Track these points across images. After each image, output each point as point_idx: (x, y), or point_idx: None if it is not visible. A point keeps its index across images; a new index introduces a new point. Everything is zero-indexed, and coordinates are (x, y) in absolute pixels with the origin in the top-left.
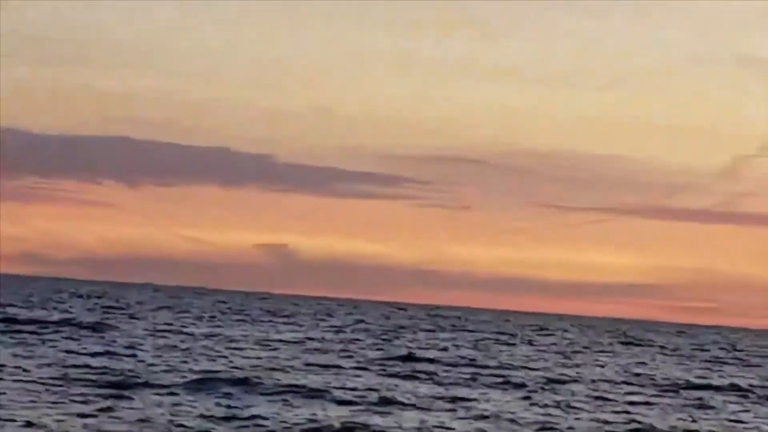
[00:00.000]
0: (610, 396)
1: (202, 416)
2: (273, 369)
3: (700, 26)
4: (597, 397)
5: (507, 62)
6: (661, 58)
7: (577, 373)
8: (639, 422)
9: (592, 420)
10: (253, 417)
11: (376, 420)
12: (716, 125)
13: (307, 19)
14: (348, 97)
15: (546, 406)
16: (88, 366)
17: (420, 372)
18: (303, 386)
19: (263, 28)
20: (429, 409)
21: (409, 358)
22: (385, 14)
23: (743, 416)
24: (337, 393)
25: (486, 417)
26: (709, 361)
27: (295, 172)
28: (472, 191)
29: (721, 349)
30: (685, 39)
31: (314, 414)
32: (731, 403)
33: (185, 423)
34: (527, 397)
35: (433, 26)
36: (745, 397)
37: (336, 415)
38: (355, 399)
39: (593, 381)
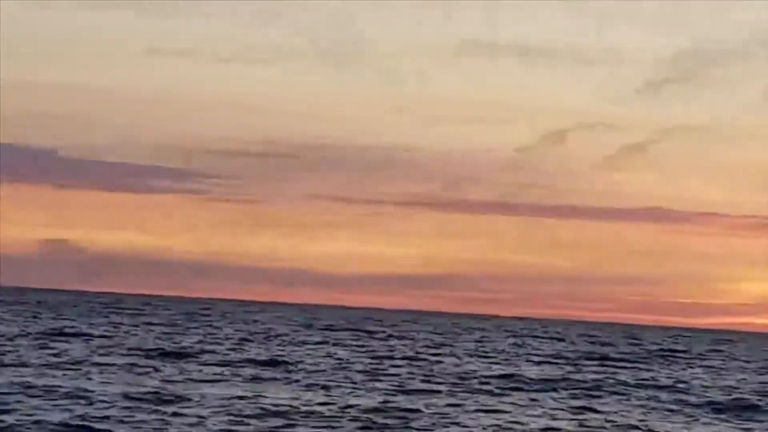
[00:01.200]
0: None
1: None
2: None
3: (493, 17)
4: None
5: (285, 48)
6: (444, 47)
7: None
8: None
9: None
10: None
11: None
12: (499, 116)
13: None
14: (132, 89)
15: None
16: None
17: (186, 367)
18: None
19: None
20: (193, 404)
21: (174, 353)
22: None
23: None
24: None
25: (242, 407)
26: (495, 352)
27: (81, 167)
28: (259, 184)
29: (487, 339)
30: (472, 28)
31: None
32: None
33: None
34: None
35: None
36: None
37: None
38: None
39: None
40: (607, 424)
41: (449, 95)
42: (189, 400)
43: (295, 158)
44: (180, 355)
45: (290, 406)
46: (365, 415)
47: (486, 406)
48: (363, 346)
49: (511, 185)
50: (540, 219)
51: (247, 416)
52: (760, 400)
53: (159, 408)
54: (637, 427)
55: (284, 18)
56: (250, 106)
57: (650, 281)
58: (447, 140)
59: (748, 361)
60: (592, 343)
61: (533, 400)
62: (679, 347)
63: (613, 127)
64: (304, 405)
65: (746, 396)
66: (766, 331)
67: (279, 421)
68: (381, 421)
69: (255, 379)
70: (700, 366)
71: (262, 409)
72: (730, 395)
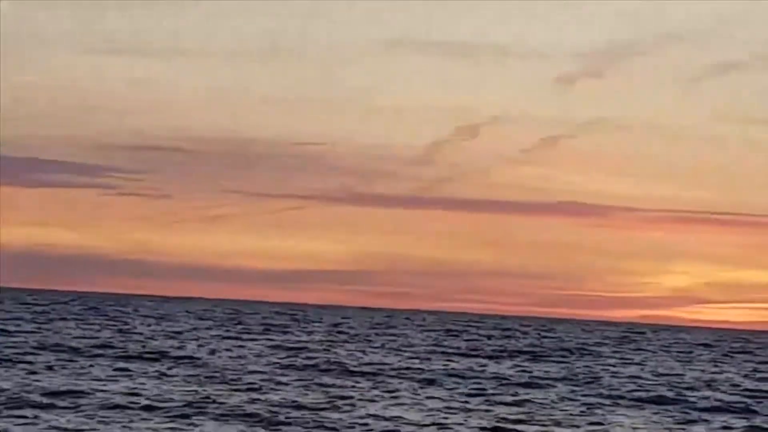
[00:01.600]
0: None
1: None
2: None
3: (406, 13)
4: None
5: (195, 42)
6: (353, 39)
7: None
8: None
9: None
10: None
11: None
12: (413, 110)
13: None
14: (39, 83)
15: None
16: None
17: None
18: None
19: None
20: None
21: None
22: None
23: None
24: None
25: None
26: (409, 346)
27: None
28: (172, 179)
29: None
30: (387, 24)
31: None
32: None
33: None
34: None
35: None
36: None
37: None
38: None
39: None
40: (521, 417)
41: (361, 90)
42: (91, 395)
43: (209, 153)
44: (88, 351)
45: (199, 401)
46: (275, 409)
47: (398, 400)
48: (275, 340)
49: (426, 180)
50: (455, 213)
51: (155, 411)
52: (670, 390)
53: (66, 404)
54: (549, 420)
55: (194, 14)
56: (161, 100)
57: (565, 275)
58: (359, 135)
59: (661, 353)
60: (507, 336)
61: (447, 394)
62: (594, 340)
63: (528, 122)
64: (214, 400)
65: (658, 387)
66: (680, 324)
67: (187, 412)
68: (291, 415)
69: (164, 374)
70: (614, 359)
71: (171, 401)
72: (643, 387)
